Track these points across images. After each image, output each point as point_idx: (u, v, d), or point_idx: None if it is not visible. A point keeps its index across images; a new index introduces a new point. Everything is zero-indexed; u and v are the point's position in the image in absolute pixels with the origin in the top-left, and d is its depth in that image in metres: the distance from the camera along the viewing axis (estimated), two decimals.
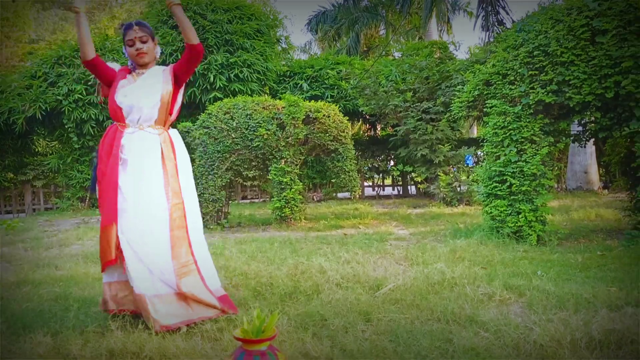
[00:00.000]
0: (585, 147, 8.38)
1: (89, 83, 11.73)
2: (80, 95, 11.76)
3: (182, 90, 3.23)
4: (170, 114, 3.15)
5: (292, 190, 7.83)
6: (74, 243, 6.82)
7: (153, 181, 2.98)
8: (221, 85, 11.58)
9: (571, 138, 6.82)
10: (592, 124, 5.68)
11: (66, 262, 5.22)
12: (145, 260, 2.88)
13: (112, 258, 2.87)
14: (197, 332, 2.84)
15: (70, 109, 11.81)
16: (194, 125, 8.23)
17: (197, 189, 7.75)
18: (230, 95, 11.16)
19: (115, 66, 3.24)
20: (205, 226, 7.84)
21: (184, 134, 8.32)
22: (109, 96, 3.11)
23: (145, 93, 3.06)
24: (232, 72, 11.61)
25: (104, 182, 2.98)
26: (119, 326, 2.86)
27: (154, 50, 3.20)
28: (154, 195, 2.96)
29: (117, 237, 2.88)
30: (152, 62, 3.22)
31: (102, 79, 3.18)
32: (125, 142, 3.00)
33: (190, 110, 12.01)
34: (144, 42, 3.12)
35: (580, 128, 6.52)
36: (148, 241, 2.90)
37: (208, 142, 7.86)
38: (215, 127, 7.85)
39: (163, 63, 11.35)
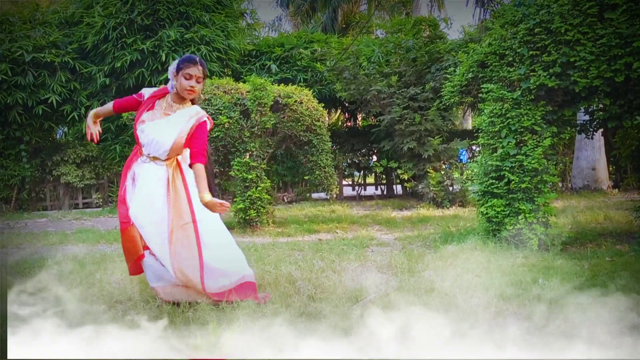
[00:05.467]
0: (592, 139, 8.57)
1: (17, 61, 11.44)
2: (4, 76, 11.33)
3: None
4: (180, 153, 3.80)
5: (259, 189, 7.80)
6: None
7: (157, 205, 3.64)
8: None
9: (577, 128, 6.95)
10: (601, 112, 5.80)
11: None
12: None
13: (141, 254, 3.58)
14: None
15: None
16: None
17: None
18: None
19: (147, 91, 3.87)
20: None
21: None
22: (134, 121, 3.82)
23: (163, 134, 3.65)
24: (187, 50, 11.50)
25: (120, 195, 3.75)
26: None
27: (201, 91, 3.83)
28: (157, 219, 3.61)
29: (140, 234, 3.58)
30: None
31: (131, 110, 4.02)
32: (136, 169, 3.76)
33: None
34: (198, 82, 3.68)
35: (587, 117, 6.65)
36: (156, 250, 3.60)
37: None
38: None
39: (105, 38, 11.30)
